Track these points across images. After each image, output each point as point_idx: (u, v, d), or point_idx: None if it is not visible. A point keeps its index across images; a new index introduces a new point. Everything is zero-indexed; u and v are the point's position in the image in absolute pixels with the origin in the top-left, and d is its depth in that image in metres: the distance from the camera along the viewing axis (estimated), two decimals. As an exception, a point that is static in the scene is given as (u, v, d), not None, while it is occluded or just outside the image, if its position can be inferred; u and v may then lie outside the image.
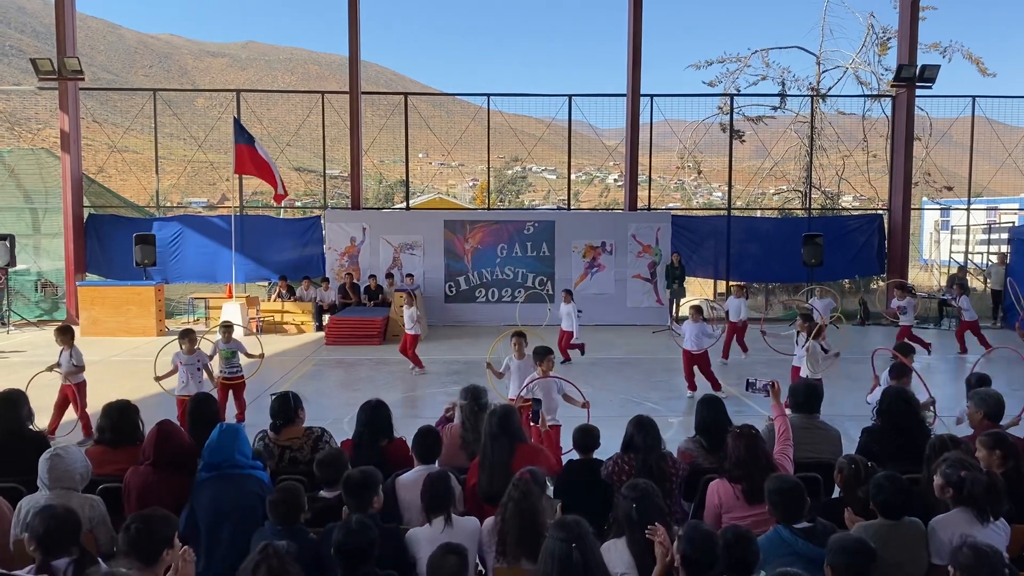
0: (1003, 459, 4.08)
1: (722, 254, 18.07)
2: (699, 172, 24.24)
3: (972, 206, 19.88)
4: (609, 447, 4.57)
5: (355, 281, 16.67)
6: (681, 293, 16.26)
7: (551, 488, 3.82)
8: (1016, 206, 24.59)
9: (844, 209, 23.53)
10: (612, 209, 26.67)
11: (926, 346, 12.96)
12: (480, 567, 3.70)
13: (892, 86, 18.09)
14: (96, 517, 3.81)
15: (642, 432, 4.30)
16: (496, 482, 4.11)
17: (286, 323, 15.83)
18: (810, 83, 23.46)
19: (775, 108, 22.85)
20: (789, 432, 4.52)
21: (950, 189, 23.35)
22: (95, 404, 5.46)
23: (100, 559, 3.26)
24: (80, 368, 8.05)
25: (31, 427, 5.03)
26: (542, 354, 6.53)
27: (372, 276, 16.53)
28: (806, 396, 5.11)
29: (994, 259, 18.30)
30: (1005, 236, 18.53)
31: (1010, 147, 19.69)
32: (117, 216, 17.97)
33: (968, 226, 20.10)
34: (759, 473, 3.90)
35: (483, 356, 9.08)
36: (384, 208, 26.29)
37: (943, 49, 21.88)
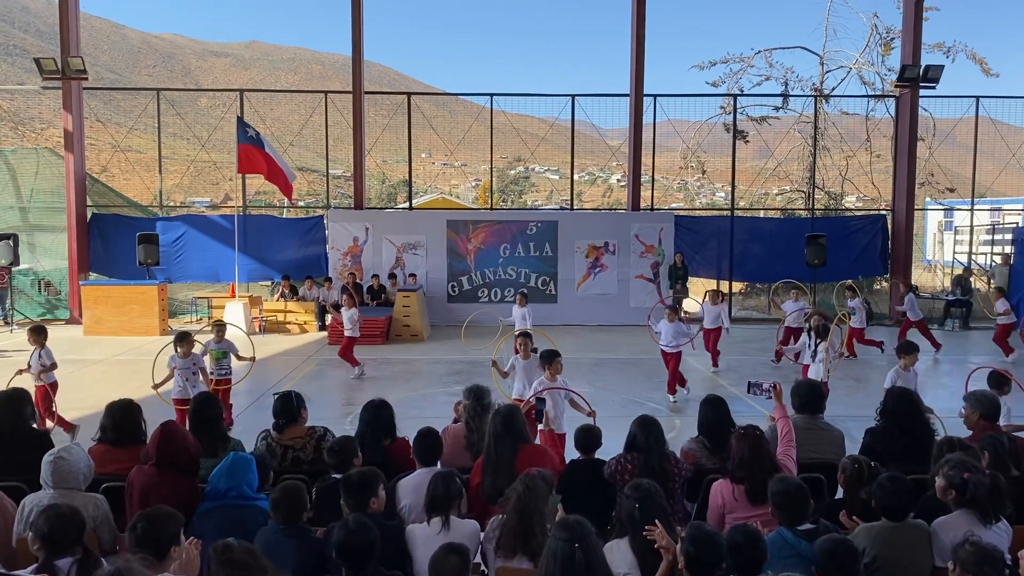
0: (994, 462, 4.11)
1: (725, 254, 18.04)
2: (703, 172, 24.24)
3: (976, 207, 19.84)
4: (611, 447, 4.57)
5: (358, 281, 16.68)
6: (684, 293, 16.22)
7: (557, 498, 3.80)
8: (1020, 207, 24.47)
9: (847, 209, 23.49)
10: (615, 209, 26.63)
11: (878, 344, 12.78)
12: (483, 567, 3.69)
13: (896, 86, 18.05)
14: (99, 516, 3.81)
15: (645, 432, 4.29)
16: (500, 482, 4.09)
17: (289, 323, 15.84)
18: (813, 83, 23.48)
19: (778, 108, 22.86)
20: (792, 433, 4.51)
21: (952, 191, 23.31)
22: (98, 403, 5.47)
23: (103, 558, 3.26)
24: (50, 367, 7.89)
25: (34, 426, 5.04)
26: (549, 358, 6.33)
27: (375, 276, 16.53)
28: (808, 396, 5.08)
29: (998, 260, 18.28)
30: (1009, 237, 18.50)
31: (1014, 147, 19.64)
32: (120, 216, 17.98)
33: (972, 227, 20.05)
34: (762, 474, 3.89)
35: (484, 355, 9.08)
36: (387, 208, 26.33)
37: (947, 49, 21.88)
